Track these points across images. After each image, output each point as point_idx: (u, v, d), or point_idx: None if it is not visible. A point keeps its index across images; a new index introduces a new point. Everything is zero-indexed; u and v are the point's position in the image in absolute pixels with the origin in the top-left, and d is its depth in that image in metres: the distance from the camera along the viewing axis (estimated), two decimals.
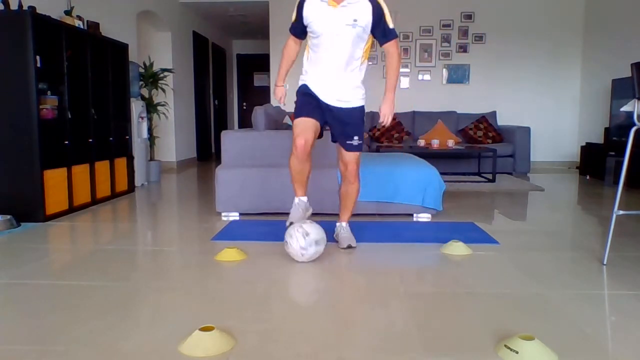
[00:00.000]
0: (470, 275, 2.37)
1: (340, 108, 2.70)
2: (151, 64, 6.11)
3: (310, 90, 2.70)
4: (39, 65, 3.51)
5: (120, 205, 4.28)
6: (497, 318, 1.84)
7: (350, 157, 2.74)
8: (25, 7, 3.63)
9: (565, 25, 7.28)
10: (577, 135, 7.42)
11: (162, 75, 6.21)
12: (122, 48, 4.89)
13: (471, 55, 7.38)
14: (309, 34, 2.69)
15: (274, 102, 7.53)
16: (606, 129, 6.13)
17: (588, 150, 6.26)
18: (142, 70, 6.01)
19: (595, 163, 5.95)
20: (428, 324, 1.80)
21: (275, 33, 7.61)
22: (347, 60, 2.62)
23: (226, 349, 1.57)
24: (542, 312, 1.91)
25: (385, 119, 2.73)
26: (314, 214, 3.74)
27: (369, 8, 2.51)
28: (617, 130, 5.82)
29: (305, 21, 2.61)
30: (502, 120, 7.24)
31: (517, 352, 1.50)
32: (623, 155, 2.52)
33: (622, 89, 5.71)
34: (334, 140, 2.81)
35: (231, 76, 10.81)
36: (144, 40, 6.71)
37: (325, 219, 3.63)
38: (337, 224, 2.95)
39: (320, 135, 2.79)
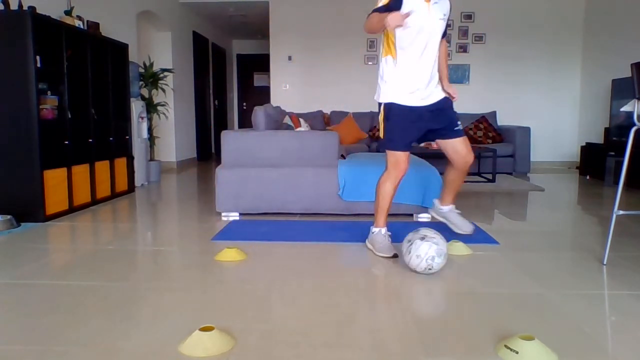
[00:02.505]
0: (470, 275, 2.37)
1: (436, 102, 2.67)
2: (151, 64, 6.11)
3: (405, 106, 2.60)
4: (39, 65, 3.52)
5: (120, 206, 4.28)
6: (497, 318, 1.84)
7: (466, 143, 2.73)
8: (25, 7, 3.63)
9: (565, 25, 7.28)
10: (577, 135, 7.43)
11: (162, 75, 6.21)
12: (122, 48, 4.89)
13: (471, 55, 7.39)
14: (399, 33, 2.52)
15: (274, 102, 7.54)
16: (606, 129, 6.13)
17: (588, 150, 6.26)
18: (142, 70, 6.01)
19: (595, 163, 5.94)
20: (428, 324, 1.80)
21: (275, 33, 7.61)
22: (436, 54, 2.63)
23: (226, 349, 1.57)
24: (542, 312, 1.91)
25: (456, 94, 2.72)
26: (314, 214, 3.75)
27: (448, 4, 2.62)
28: (617, 130, 5.82)
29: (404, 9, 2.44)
30: (502, 120, 7.24)
31: (517, 352, 1.50)
32: (623, 155, 2.52)
33: (622, 89, 5.71)
34: (431, 139, 2.80)
35: (231, 76, 10.81)
36: (144, 40, 6.71)
37: (325, 218, 3.63)
38: (449, 207, 3.02)
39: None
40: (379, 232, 2.72)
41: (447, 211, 3.08)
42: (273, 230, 3.28)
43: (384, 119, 2.66)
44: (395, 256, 2.60)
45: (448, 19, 2.62)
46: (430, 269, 2.30)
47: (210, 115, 9.15)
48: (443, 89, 2.71)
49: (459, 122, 2.74)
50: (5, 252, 2.80)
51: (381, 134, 2.71)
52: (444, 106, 2.69)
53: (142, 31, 6.66)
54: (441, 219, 3.14)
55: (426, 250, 2.27)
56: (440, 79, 2.72)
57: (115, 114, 4.70)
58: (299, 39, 7.57)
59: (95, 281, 2.27)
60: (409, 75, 2.58)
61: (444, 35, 2.66)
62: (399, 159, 2.65)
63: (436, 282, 2.27)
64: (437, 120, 2.68)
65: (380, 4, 2.53)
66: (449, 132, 2.71)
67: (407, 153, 2.67)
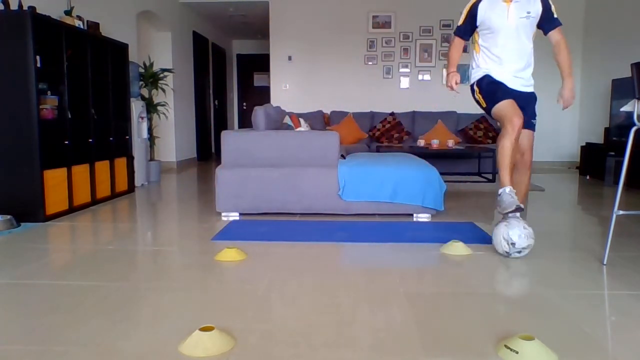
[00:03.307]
0: (470, 275, 2.37)
1: (525, 92, 2.87)
2: (151, 64, 6.11)
3: (495, 79, 2.83)
4: (39, 65, 3.52)
5: (120, 206, 4.28)
6: (497, 318, 1.84)
7: (531, 138, 2.87)
8: (25, 7, 3.63)
9: (565, 25, 7.20)
10: (577, 135, 7.42)
11: (162, 75, 6.21)
12: (122, 48, 4.89)
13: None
14: (481, 34, 2.89)
15: (274, 102, 7.54)
16: (606, 129, 6.13)
17: (588, 150, 6.26)
18: (142, 70, 6.01)
19: (595, 163, 5.95)
20: (428, 324, 1.80)
21: (275, 33, 7.61)
22: (525, 50, 2.82)
23: (226, 349, 1.57)
24: (542, 312, 1.91)
25: (567, 104, 2.83)
26: (314, 214, 3.75)
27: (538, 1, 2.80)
28: (617, 130, 5.82)
29: (480, 20, 2.83)
30: None
31: (517, 352, 1.50)
32: (623, 155, 2.52)
33: (622, 89, 5.71)
34: None
35: (231, 76, 10.81)
36: (144, 40, 6.71)
37: (325, 218, 3.63)
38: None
39: None
40: (503, 191, 2.75)
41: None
42: (273, 230, 3.28)
43: (479, 92, 2.88)
44: (519, 209, 2.64)
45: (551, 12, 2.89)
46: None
47: (210, 115, 9.15)
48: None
49: (536, 118, 2.94)
50: (5, 252, 2.80)
51: (483, 104, 2.88)
52: (530, 100, 2.89)
53: (142, 31, 6.67)
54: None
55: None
56: (563, 77, 2.89)
57: (115, 114, 4.70)
58: (299, 39, 7.57)
59: (95, 281, 2.27)
60: (497, 68, 2.87)
61: (553, 28, 2.88)
62: (503, 109, 2.73)
63: (436, 282, 2.27)
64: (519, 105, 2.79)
65: (459, 22, 2.95)
66: (526, 121, 2.80)
67: (511, 100, 2.75)
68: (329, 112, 7.12)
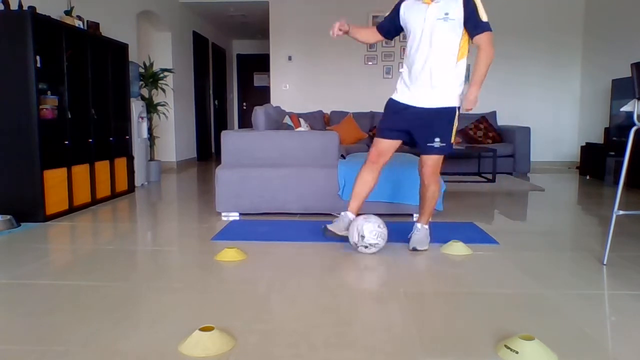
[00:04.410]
0: (470, 275, 2.37)
1: (429, 109, 2.61)
2: (151, 64, 6.11)
3: (393, 103, 2.71)
4: (39, 65, 3.52)
5: (120, 205, 4.28)
6: (497, 318, 1.84)
7: (431, 165, 2.66)
8: (25, 7, 3.63)
9: (565, 25, 7.28)
10: (577, 135, 7.42)
11: (162, 75, 6.21)
12: (122, 48, 4.89)
13: (471, 55, 7.36)
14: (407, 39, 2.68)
15: (274, 102, 7.54)
16: (606, 129, 6.13)
17: (588, 150, 6.26)
18: (142, 70, 6.01)
19: (595, 163, 5.94)
20: (428, 324, 1.80)
21: (275, 33, 7.61)
22: (440, 57, 2.54)
23: (226, 349, 1.57)
24: (542, 312, 1.91)
25: (465, 107, 2.59)
26: (314, 214, 3.75)
27: (460, 2, 2.49)
28: (617, 130, 5.82)
29: (402, 21, 2.66)
30: (502, 120, 7.24)
31: (517, 352, 1.50)
32: (623, 155, 2.52)
33: (622, 89, 5.71)
34: (411, 144, 2.78)
35: (231, 76, 10.81)
36: (144, 40, 6.71)
37: (325, 218, 3.63)
38: (416, 223, 2.89)
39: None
40: (345, 214, 2.86)
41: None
42: (273, 230, 3.28)
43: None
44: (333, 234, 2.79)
45: (476, 15, 2.51)
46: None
47: (210, 115, 9.15)
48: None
49: (437, 140, 2.63)
50: (5, 252, 2.80)
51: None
52: (429, 119, 2.62)
53: (142, 31, 6.66)
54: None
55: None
56: (471, 84, 2.60)
57: (115, 114, 4.70)
58: (299, 39, 7.57)
59: (95, 281, 2.27)
60: (407, 77, 2.70)
61: (478, 33, 2.54)
62: (373, 145, 2.77)
63: (436, 282, 2.27)
64: (414, 125, 2.67)
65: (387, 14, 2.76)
66: (421, 143, 2.68)
67: (384, 141, 2.77)
68: (329, 112, 7.12)
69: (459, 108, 2.64)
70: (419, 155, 2.76)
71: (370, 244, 2.66)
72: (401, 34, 2.81)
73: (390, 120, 2.71)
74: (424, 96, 2.61)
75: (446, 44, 2.53)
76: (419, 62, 2.57)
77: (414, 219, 3.63)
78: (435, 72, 2.55)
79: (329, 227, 2.80)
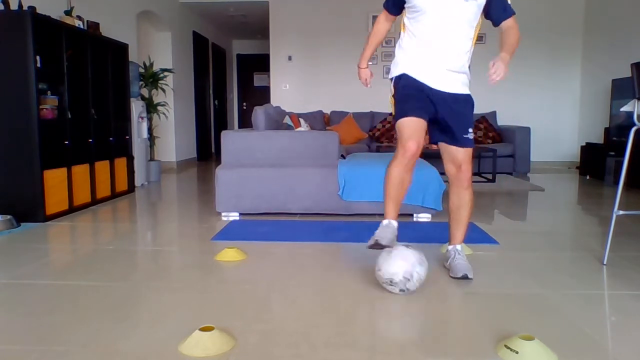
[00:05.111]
0: None
1: (455, 94, 2.27)
2: (151, 64, 6.11)
3: (413, 82, 2.27)
4: (39, 65, 3.51)
5: (120, 205, 4.28)
6: (497, 318, 1.84)
7: (464, 154, 2.30)
8: (25, 7, 3.63)
9: (565, 26, 7.28)
10: (577, 135, 7.42)
11: (162, 75, 6.21)
12: (122, 48, 4.89)
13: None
14: (409, 12, 2.29)
15: (274, 102, 7.54)
16: (606, 129, 6.13)
17: (588, 150, 6.25)
18: (142, 70, 6.01)
19: (595, 163, 5.94)
20: (428, 324, 1.80)
21: (275, 33, 7.61)
22: (462, 41, 2.24)
23: (226, 349, 1.57)
24: (542, 312, 1.91)
25: (496, 75, 2.09)
26: (314, 214, 3.75)
27: None
28: (617, 130, 5.81)
29: None
30: (502, 120, 7.24)
31: (517, 352, 1.50)
32: (623, 155, 2.52)
33: (622, 89, 5.71)
34: (435, 141, 2.40)
35: (231, 76, 10.81)
36: (144, 40, 6.71)
37: (325, 218, 3.63)
38: (450, 247, 2.42)
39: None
40: (381, 224, 2.39)
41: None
42: (273, 230, 3.28)
43: (394, 95, 2.37)
44: (377, 245, 2.26)
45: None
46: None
47: (210, 115, 9.15)
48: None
49: (470, 131, 2.33)
50: (5, 252, 2.80)
51: (393, 111, 2.36)
52: (457, 107, 2.31)
53: (142, 31, 6.66)
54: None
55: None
56: (502, 51, 2.24)
57: (115, 114, 4.70)
58: (299, 39, 7.57)
59: (95, 281, 2.27)
60: (418, 59, 2.31)
61: (507, 17, 2.25)
62: (403, 127, 2.26)
63: (436, 282, 2.27)
64: (443, 113, 2.32)
65: None
66: (452, 135, 2.34)
67: (417, 119, 2.27)
68: (329, 112, 7.12)
69: None
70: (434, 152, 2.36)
71: (403, 289, 2.07)
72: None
73: (415, 98, 2.26)
74: (444, 80, 2.27)
75: (465, 26, 2.24)
76: (438, 43, 2.23)
77: (414, 219, 3.64)
78: (454, 55, 2.25)
79: (375, 240, 2.29)
